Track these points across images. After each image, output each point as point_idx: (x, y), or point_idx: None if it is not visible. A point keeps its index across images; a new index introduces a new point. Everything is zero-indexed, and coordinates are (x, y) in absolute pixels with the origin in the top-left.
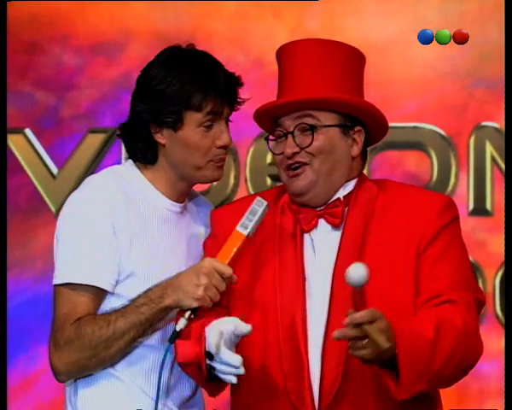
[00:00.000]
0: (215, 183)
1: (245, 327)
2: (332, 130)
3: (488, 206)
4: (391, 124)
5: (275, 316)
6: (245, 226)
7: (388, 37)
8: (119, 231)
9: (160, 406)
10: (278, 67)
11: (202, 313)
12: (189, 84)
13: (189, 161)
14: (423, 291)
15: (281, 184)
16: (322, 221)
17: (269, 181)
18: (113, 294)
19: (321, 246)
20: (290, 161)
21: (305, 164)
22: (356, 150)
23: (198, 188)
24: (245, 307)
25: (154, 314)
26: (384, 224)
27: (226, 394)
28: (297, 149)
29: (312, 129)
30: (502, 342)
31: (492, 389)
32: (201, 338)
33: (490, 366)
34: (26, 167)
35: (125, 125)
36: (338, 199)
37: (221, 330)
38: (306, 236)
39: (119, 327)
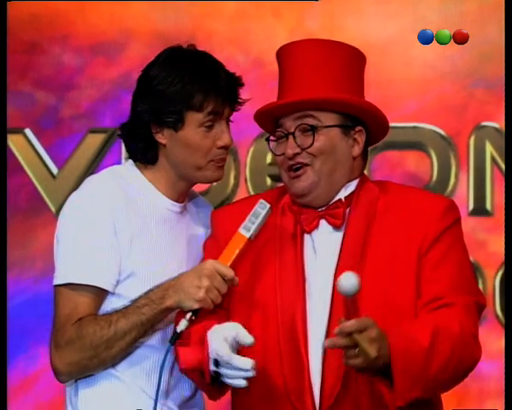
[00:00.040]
0: (215, 183)
1: (248, 338)
2: (333, 130)
3: (488, 206)
4: (391, 124)
5: (275, 317)
6: (247, 229)
7: (388, 37)
8: (119, 230)
9: (159, 406)
10: (278, 67)
11: (203, 316)
12: (190, 85)
13: (189, 161)
14: (424, 293)
15: (281, 185)
16: (323, 222)
17: (269, 181)
18: (113, 294)
19: (322, 247)
20: (291, 162)
21: (307, 165)
22: (357, 150)
23: (198, 188)
24: (245, 308)
25: (155, 315)
26: (386, 225)
27: (227, 394)
28: (298, 150)
29: (313, 130)
30: (502, 342)
31: (492, 389)
32: (204, 344)
33: (490, 366)
34: (26, 167)
35: (125, 126)
36: (339, 200)
37: (225, 337)
38: (307, 236)
39: (121, 328)
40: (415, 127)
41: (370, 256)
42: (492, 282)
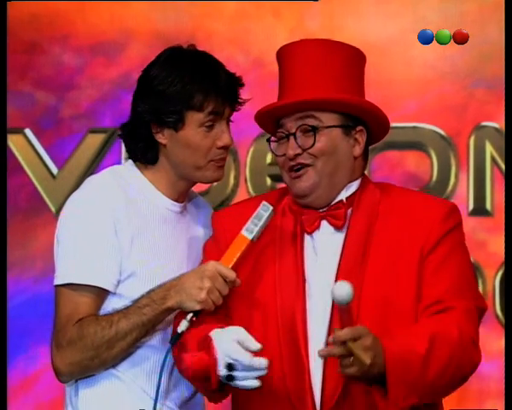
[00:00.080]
0: (215, 183)
1: (254, 345)
2: (334, 130)
3: (488, 206)
4: (391, 124)
5: (275, 317)
6: (250, 231)
7: (388, 37)
8: (120, 230)
9: (159, 406)
10: (278, 68)
11: (202, 318)
12: (191, 85)
13: (189, 161)
14: (424, 297)
15: (282, 186)
16: (324, 223)
17: (269, 181)
18: (114, 294)
19: (323, 248)
20: (292, 163)
21: (308, 165)
22: (358, 150)
23: (198, 188)
24: (246, 309)
25: (156, 315)
26: (387, 228)
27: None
28: (299, 151)
29: (314, 130)
30: (502, 342)
31: (492, 389)
32: (209, 349)
33: (490, 366)
34: (26, 167)
35: (125, 126)
36: (341, 201)
37: (236, 339)
38: (307, 237)
39: (122, 328)
40: (415, 127)
41: (372, 258)
42: (492, 282)
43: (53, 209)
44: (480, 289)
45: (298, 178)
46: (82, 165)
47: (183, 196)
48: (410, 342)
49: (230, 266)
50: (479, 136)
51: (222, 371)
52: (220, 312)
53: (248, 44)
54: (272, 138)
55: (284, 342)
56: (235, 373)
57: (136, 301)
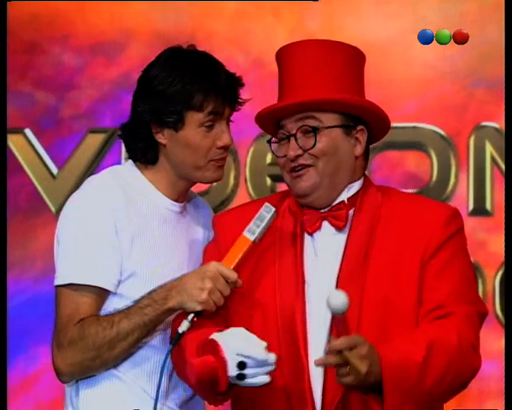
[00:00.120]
0: (215, 183)
1: (259, 343)
2: (335, 131)
3: (488, 206)
4: (391, 124)
5: (274, 318)
6: (252, 232)
7: (388, 37)
8: (120, 230)
9: (160, 406)
10: (278, 68)
11: (202, 319)
12: (191, 85)
13: (189, 161)
14: (425, 302)
15: (282, 186)
16: (325, 223)
17: (269, 181)
18: (115, 294)
19: (323, 248)
20: (293, 164)
21: (309, 166)
22: (359, 150)
23: (198, 188)
24: (246, 309)
25: (157, 316)
26: (389, 231)
27: None
28: (300, 152)
29: (315, 131)
30: (502, 342)
31: (492, 389)
32: (217, 351)
33: (490, 366)
34: (26, 167)
35: (125, 126)
36: (342, 202)
37: (242, 338)
38: (308, 238)
39: (123, 328)
40: (415, 127)
41: (374, 260)
42: (492, 282)
43: (53, 209)
44: (480, 289)
45: (299, 177)
46: (82, 165)
47: (182, 196)
48: (407, 349)
49: (232, 266)
50: (479, 136)
51: (233, 370)
52: (218, 315)
53: (248, 44)
54: (273, 139)
55: (284, 343)
56: (246, 371)
57: (137, 302)
